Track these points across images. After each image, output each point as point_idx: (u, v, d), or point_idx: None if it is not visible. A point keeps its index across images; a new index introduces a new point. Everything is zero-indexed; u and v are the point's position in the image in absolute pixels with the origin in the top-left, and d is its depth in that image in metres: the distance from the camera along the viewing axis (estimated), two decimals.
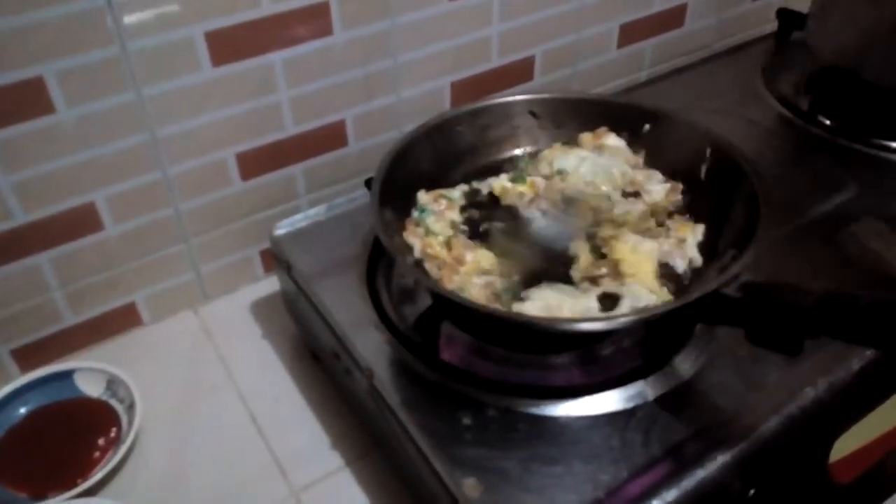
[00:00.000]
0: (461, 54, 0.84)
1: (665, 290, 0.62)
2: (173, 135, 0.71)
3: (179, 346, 0.78)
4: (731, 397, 0.58)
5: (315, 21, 0.73)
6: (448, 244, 0.65)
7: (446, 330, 0.63)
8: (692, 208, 0.69)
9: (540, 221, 0.69)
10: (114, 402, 0.70)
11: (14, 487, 0.64)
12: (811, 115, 0.87)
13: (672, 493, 0.52)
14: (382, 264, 0.70)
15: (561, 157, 0.74)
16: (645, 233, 0.67)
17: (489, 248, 0.66)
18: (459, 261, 0.64)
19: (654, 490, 0.52)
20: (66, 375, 0.71)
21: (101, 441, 0.67)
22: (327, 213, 0.75)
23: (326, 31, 0.74)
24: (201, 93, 0.70)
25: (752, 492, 0.56)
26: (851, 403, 0.62)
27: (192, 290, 0.81)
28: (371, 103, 0.81)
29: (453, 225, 0.67)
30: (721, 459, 0.54)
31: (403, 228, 0.66)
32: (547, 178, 0.72)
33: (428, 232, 0.66)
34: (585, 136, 0.75)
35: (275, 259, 0.73)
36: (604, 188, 0.72)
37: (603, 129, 0.75)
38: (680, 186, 0.71)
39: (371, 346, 0.62)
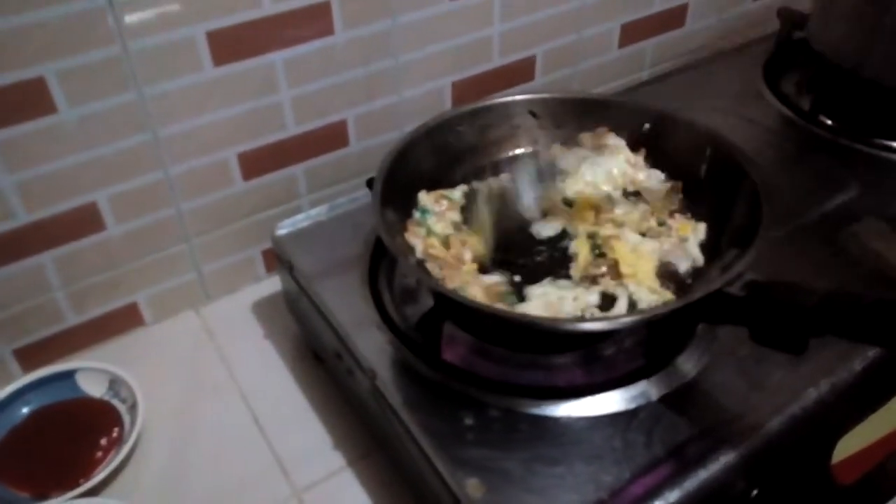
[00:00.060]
0: (462, 54, 0.84)
1: (666, 289, 0.62)
2: (175, 134, 0.71)
3: (181, 347, 0.78)
4: (733, 398, 0.58)
5: (316, 21, 0.73)
6: (446, 243, 0.65)
7: (448, 330, 0.63)
8: (692, 208, 0.69)
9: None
10: (116, 402, 0.70)
11: (16, 487, 0.64)
12: (812, 115, 0.87)
13: (675, 494, 0.52)
14: (384, 264, 0.70)
15: (561, 157, 0.74)
16: (646, 232, 0.67)
17: (474, 230, 0.67)
18: (459, 259, 0.64)
19: (656, 491, 0.52)
20: (69, 375, 0.71)
21: (103, 441, 0.67)
22: (329, 213, 0.75)
23: (327, 30, 0.74)
24: (203, 92, 0.70)
25: (754, 492, 0.56)
26: (854, 404, 0.62)
27: (194, 290, 0.81)
28: (372, 103, 0.81)
29: (455, 225, 0.67)
30: (724, 460, 0.54)
31: (405, 229, 0.66)
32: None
33: (429, 233, 0.66)
34: (585, 136, 0.75)
35: (276, 259, 0.74)
36: (604, 188, 0.72)
37: (603, 129, 0.75)
38: (680, 186, 0.71)
39: (373, 347, 0.62)
